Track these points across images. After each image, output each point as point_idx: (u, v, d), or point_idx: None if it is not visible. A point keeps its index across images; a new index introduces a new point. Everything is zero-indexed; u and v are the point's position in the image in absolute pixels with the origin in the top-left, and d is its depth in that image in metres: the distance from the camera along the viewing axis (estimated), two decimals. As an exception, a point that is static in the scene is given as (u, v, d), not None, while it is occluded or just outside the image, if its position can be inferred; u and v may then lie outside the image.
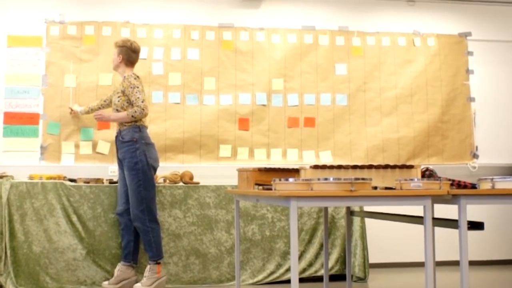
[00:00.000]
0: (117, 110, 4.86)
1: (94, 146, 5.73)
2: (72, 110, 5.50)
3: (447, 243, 5.64)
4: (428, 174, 3.86)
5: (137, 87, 4.78)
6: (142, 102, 4.74)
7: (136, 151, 4.72)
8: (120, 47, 4.96)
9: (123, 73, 4.97)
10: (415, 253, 6.03)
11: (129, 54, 4.96)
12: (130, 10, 5.99)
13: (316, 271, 5.26)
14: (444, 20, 6.57)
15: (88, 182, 5.07)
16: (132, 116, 4.72)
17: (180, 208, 5.09)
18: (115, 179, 5.31)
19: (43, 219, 4.84)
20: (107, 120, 5.02)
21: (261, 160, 5.98)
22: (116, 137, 4.89)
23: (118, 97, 4.85)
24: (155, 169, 4.88)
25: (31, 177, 5.09)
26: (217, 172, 5.78)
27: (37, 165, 5.60)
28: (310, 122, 6.14)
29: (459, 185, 3.47)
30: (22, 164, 5.55)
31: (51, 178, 5.06)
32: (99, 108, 5.29)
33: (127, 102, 4.81)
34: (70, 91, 5.60)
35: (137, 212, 4.69)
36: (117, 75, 5.80)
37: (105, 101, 5.28)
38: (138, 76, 4.92)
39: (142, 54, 5.76)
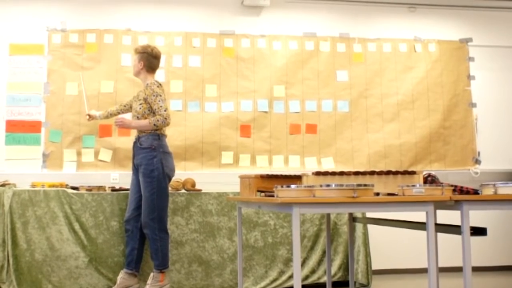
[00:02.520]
0: (137, 117, 4.80)
1: (96, 153, 5.74)
2: (90, 116, 5.25)
3: (450, 248, 5.62)
4: (430, 180, 3.86)
5: (160, 96, 4.72)
6: (165, 111, 4.68)
7: (153, 158, 4.69)
8: (141, 53, 4.88)
9: (145, 79, 4.89)
10: (418, 259, 6.01)
11: (150, 60, 4.88)
12: (131, 17, 6.00)
13: (319, 278, 5.25)
14: (445, 26, 6.57)
15: (90, 190, 5.06)
16: (154, 124, 4.66)
17: (182, 216, 5.08)
18: (117, 187, 5.32)
19: (45, 227, 4.84)
20: (128, 127, 4.95)
21: (263, 166, 5.98)
22: (134, 143, 4.84)
23: (140, 104, 4.79)
24: (170, 178, 4.84)
25: (33, 185, 5.09)
26: (219, 179, 5.78)
27: (39, 173, 5.60)
28: (311, 128, 6.14)
29: (462, 190, 3.47)
30: (24, 172, 5.55)
31: (53, 186, 5.05)
32: (118, 113, 5.16)
33: (149, 110, 4.75)
34: (83, 98, 5.37)
35: (147, 220, 4.67)
36: (119, 82, 5.83)
37: (124, 106, 5.15)
38: (160, 84, 4.84)
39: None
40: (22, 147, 5.68)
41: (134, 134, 5.63)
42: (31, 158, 5.68)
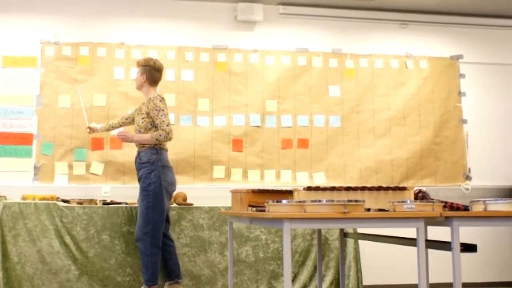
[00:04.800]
0: (140, 131, 4.80)
1: (88, 166, 5.72)
2: (90, 128, 5.24)
3: (441, 264, 5.64)
4: (421, 196, 3.87)
5: (163, 110, 4.72)
6: (167, 126, 4.68)
7: (151, 172, 4.67)
8: (143, 66, 4.89)
9: (148, 93, 4.89)
10: (409, 275, 6.00)
11: (152, 74, 4.89)
12: (124, 31, 6.02)
13: (309, 293, 5.24)
14: (436, 42, 6.62)
15: (81, 203, 5.05)
16: (157, 139, 4.66)
17: (173, 230, 5.07)
18: (108, 200, 5.30)
19: (36, 240, 4.82)
20: (130, 141, 4.88)
21: (255, 181, 5.98)
22: (136, 158, 4.85)
23: (142, 118, 4.79)
24: (169, 193, 4.80)
25: (24, 198, 5.07)
26: (210, 193, 5.77)
27: (31, 186, 5.58)
28: (303, 143, 6.16)
29: (452, 207, 3.48)
30: (15, 185, 5.52)
31: (44, 198, 5.03)
32: (120, 125, 5.17)
33: (151, 124, 4.74)
34: (83, 111, 5.42)
35: (140, 234, 4.65)
36: (111, 95, 5.83)
37: (126, 119, 5.16)
38: (163, 98, 4.85)
39: (135, 76, 5.78)
40: (13, 159, 5.66)
41: (126, 147, 5.66)
42: (22, 170, 5.65)
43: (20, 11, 5.87)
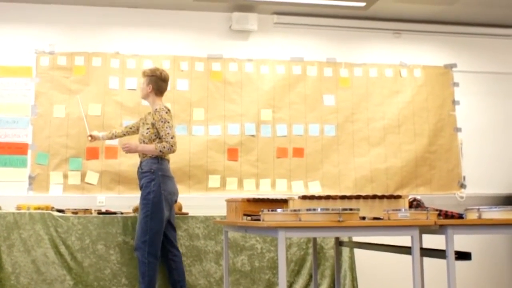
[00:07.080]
0: (144, 141, 4.80)
1: (83, 176, 5.71)
2: (92, 137, 5.24)
3: (436, 273, 5.64)
4: (415, 204, 3.88)
5: (168, 122, 4.72)
6: (172, 138, 4.68)
7: (151, 181, 4.67)
8: (149, 76, 4.89)
9: (153, 103, 4.90)
10: (405, 283, 6.00)
11: (158, 84, 4.89)
12: (120, 41, 6.03)
13: (305, 302, 5.23)
14: (430, 51, 6.65)
15: (76, 213, 5.04)
16: (160, 151, 4.66)
17: (168, 239, 5.06)
18: (103, 210, 5.29)
19: (30, 250, 4.80)
20: (134, 151, 4.88)
21: (250, 190, 5.97)
22: (138, 168, 4.86)
23: (147, 129, 4.79)
24: (169, 203, 4.78)
25: (18, 208, 5.06)
26: (206, 202, 5.77)
27: (25, 195, 5.56)
28: (298, 152, 6.16)
29: (446, 215, 3.49)
30: (10, 194, 5.50)
31: (39, 208, 5.02)
32: (124, 135, 5.20)
33: (155, 135, 4.75)
34: (84, 120, 5.38)
35: (139, 243, 4.64)
36: (106, 105, 5.83)
37: (130, 128, 5.17)
38: (169, 110, 4.84)
39: (131, 85, 5.81)
40: (8, 169, 5.64)
41: (121, 157, 5.66)
42: (17, 180, 5.64)
43: (15, 21, 5.88)
